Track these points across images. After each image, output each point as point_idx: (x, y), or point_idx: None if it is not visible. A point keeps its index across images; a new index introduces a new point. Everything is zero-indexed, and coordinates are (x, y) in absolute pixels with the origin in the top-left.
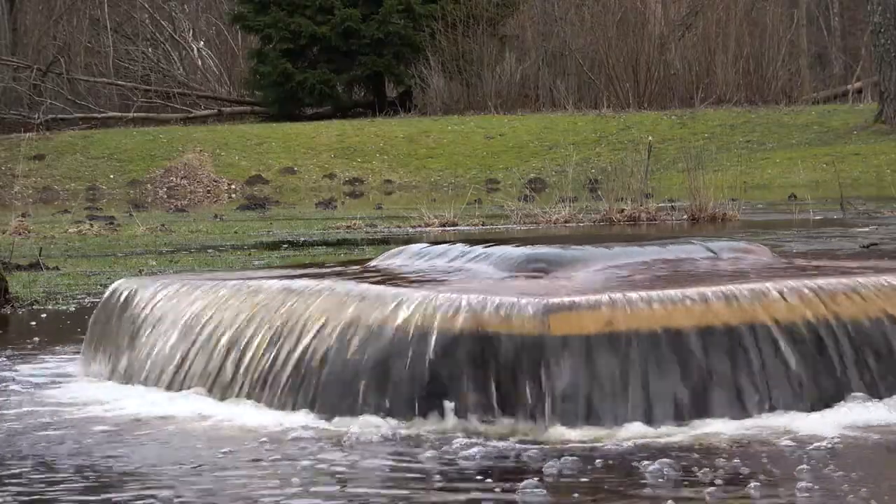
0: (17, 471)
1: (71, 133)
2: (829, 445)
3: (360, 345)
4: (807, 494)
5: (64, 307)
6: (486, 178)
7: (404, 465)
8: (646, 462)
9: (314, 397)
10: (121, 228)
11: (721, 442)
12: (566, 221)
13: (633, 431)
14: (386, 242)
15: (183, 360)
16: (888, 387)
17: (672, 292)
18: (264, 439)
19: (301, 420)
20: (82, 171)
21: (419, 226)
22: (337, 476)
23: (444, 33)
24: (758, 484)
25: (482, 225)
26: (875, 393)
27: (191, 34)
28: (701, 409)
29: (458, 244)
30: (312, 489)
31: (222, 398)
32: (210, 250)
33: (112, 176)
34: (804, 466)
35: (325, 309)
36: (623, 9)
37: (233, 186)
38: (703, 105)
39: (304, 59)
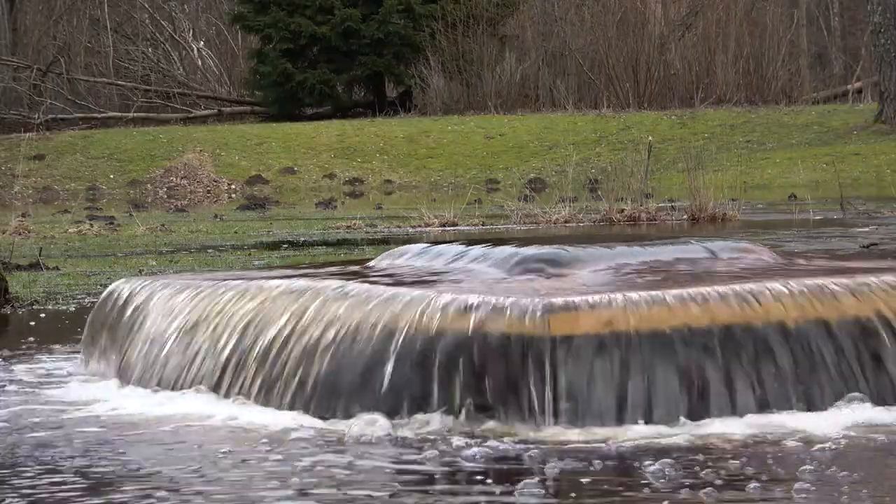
0: (16, 471)
1: (71, 133)
2: (832, 446)
3: (359, 345)
4: (808, 495)
5: (64, 307)
6: (486, 178)
7: (404, 465)
8: (647, 462)
9: (314, 397)
10: (121, 228)
11: (722, 442)
12: (566, 221)
13: (634, 431)
14: (386, 242)
15: (182, 359)
16: (889, 387)
17: (672, 292)
18: (264, 439)
19: (301, 420)
20: (82, 171)
21: (419, 226)
22: (337, 476)
23: (444, 33)
24: (759, 484)
25: (482, 225)
26: (876, 393)
27: (191, 34)
28: (702, 409)
29: (457, 244)
30: (312, 489)
31: (222, 398)
32: (210, 250)
33: (112, 176)
34: (806, 467)
35: (325, 309)
36: (623, 9)
37: (233, 186)
38: (703, 105)
39: (304, 59)
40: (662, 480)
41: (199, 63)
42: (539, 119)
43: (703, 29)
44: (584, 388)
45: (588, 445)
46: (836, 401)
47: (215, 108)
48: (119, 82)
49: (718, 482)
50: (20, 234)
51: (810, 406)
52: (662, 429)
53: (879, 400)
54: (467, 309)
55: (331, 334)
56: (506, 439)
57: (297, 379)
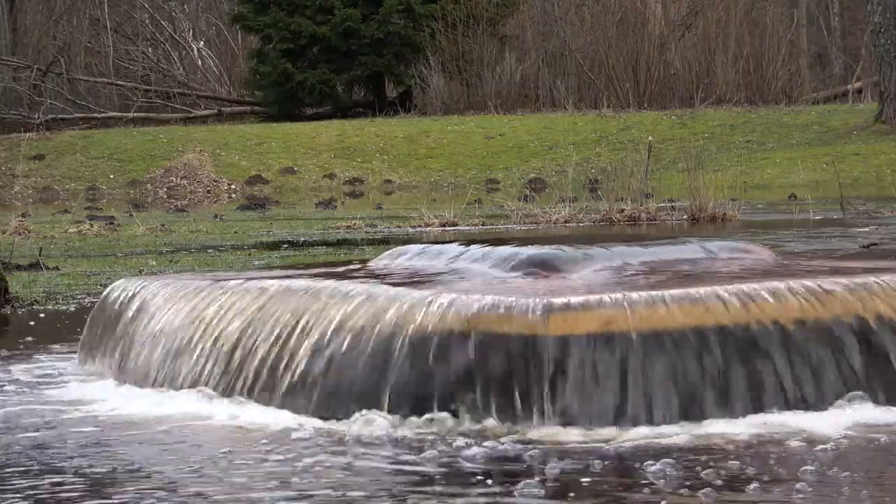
0: (15, 471)
1: (71, 133)
2: (833, 446)
3: (360, 345)
4: (810, 495)
5: (64, 307)
6: (486, 178)
7: (405, 465)
8: (647, 462)
9: (314, 397)
10: (121, 228)
11: (722, 442)
12: (566, 221)
13: (634, 431)
14: (386, 242)
15: (182, 359)
16: (890, 386)
17: (671, 292)
18: (264, 439)
19: (302, 420)
20: (82, 171)
21: (419, 226)
22: (337, 476)
23: (444, 33)
24: (760, 484)
25: (482, 225)
26: (877, 393)
27: (191, 34)
28: (702, 409)
29: (457, 244)
30: (312, 489)
31: (222, 398)
32: (210, 250)
33: (112, 176)
34: (807, 467)
35: (324, 309)
36: (623, 9)
37: (233, 186)
38: (703, 105)
39: (304, 59)
40: (663, 480)
41: (199, 63)
42: (539, 119)
43: (703, 29)
44: (583, 388)
45: (588, 445)
46: (837, 400)
47: (215, 108)
48: (119, 82)
49: (719, 482)
50: (20, 234)
51: (811, 406)
52: (662, 429)
53: (880, 399)
54: (467, 309)
55: (330, 334)
56: (506, 439)
57: (297, 379)
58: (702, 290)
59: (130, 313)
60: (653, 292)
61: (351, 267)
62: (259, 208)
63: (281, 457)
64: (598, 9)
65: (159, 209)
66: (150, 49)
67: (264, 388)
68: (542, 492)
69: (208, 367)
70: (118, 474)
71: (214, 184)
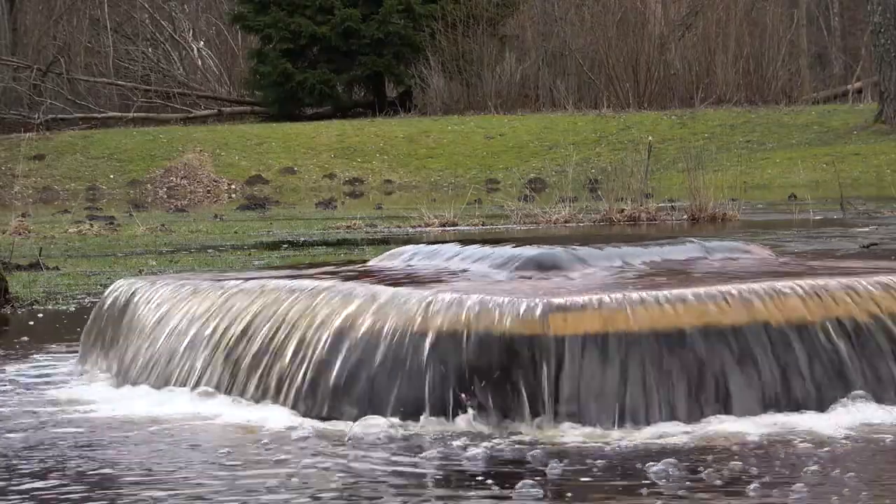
0: (14, 471)
1: (71, 133)
2: (834, 446)
3: (360, 345)
4: (812, 495)
5: (64, 307)
6: (486, 178)
7: (406, 465)
8: (649, 462)
9: (315, 397)
10: (121, 228)
11: (724, 442)
12: (566, 221)
13: (635, 431)
14: (386, 242)
15: (182, 359)
16: (891, 386)
17: (671, 292)
18: (265, 439)
19: (302, 420)
20: (82, 171)
21: (419, 226)
22: (337, 477)
23: (444, 33)
24: (762, 484)
25: (482, 225)
26: (879, 393)
27: (191, 34)
28: (703, 409)
29: (457, 244)
30: (313, 489)
31: (222, 397)
32: (210, 250)
33: (112, 176)
34: (809, 467)
35: (325, 309)
36: (623, 9)
37: (233, 186)
38: (703, 105)
39: (304, 59)
40: (665, 481)
41: (199, 63)
42: (539, 119)
43: (703, 29)
44: (584, 388)
45: (589, 445)
46: (839, 400)
47: (215, 108)
48: (119, 82)
49: (721, 483)
50: (20, 234)
51: (813, 406)
52: (663, 428)
53: (882, 399)
54: (467, 309)
55: (332, 334)
56: (506, 440)
57: (297, 379)
58: (702, 290)
59: (130, 313)
60: (653, 292)
61: (351, 267)
62: (259, 208)
63: (281, 457)
64: (598, 9)
65: (159, 209)
66: (150, 49)
67: (264, 388)
68: (543, 492)
69: (208, 366)
70: (117, 474)
71: (214, 184)
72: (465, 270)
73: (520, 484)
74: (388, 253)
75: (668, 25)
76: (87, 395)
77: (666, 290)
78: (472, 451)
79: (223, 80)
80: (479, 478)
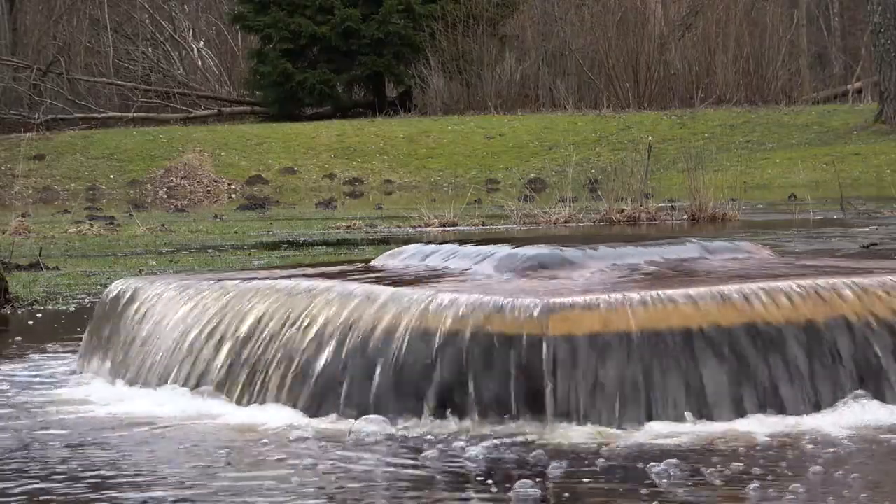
0: (14, 471)
1: (71, 133)
2: (836, 445)
3: (360, 345)
4: (814, 496)
5: (64, 307)
6: (486, 178)
7: (406, 465)
8: (651, 463)
9: (315, 397)
10: (121, 228)
11: (726, 442)
12: (566, 221)
13: (636, 431)
14: (386, 242)
15: (182, 359)
16: (892, 386)
17: (671, 292)
18: (265, 439)
19: (302, 420)
20: (82, 171)
21: (419, 226)
22: (338, 476)
23: (444, 33)
24: (764, 484)
25: (482, 225)
26: (880, 392)
27: (191, 34)
28: (704, 409)
29: (457, 244)
30: (313, 489)
31: (222, 397)
32: (210, 250)
33: (112, 176)
34: (811, 467)
35: (325, 309)
36: (623, 9)
37: (233, 186)
38: (703, 105)
39: (304, 59)
40: (667, 481)
41: (199, 63)
42: (539, 119)
43: (703, 29)
44: (584, 388)
45: (590, 446)
46: (841, 400)
47: (215, 108)
48: (119, 82)
49: (723, 483)
50: (20, 234)
51: (815, 405)
52: (664, 428)
53: (884, 399)
54: (467, 309)
55: (331, 334)
56: (507, 440)
57: (297, 378)
58: (702, 290)
59: (130, 313)
60: (653, 292)
61: (351, 267)
62: (259, 208)
63: (281, 457)
64: (598, 9)
65: (159, 209)
66: (150, 49)
67: (265, 388)
68: (545, 493)
69: (209, 366)
70: (116, 474)
71: (214, 184)
72: (465, 270)
73: (518, 484)
74: (388, 253)
75: (668, 25)
76: (86, 394)
77: (666, 290)
78: (473, 451)
79: (223, 80)
80: (479, 478)
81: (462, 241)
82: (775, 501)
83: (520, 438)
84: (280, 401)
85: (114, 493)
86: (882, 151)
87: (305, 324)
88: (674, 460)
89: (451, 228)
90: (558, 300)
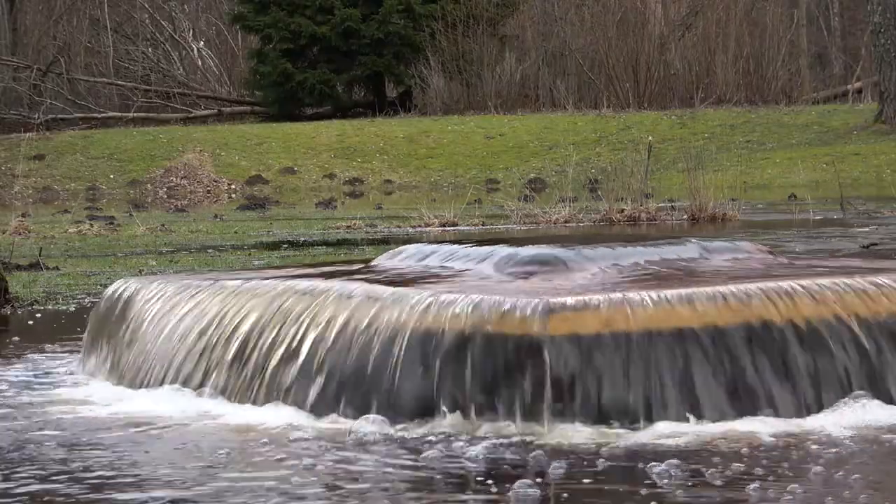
0: (14, 472)
1: (71, 133)
2: (840, 446)
3: (360, 344)
4: (817, 496)
5: (64, 307)
6: (486, 178)
7: (406, 465)
8: (652, 463)
9: (315, 397)
10: (121, 228)
11: (727, 442)
12: (566, 221)
13: (636, 432)
14: (386, 242)
15: (183, 360)
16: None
17: (672, 292)
18: (265, 439)
19: (302, 420)
20: (82, 171)
21: (419, 226)
22: (338, 476)
23: (444, 33)
24: (766, 485)
25: (482, 225)
26: (881, 393)
27: (191, 34)
28: (704, 410)
29: (457, 244)
30: (313, 489)
31: (222, 397)
32: (210, 250)
33: (112, 176)
34: (813, 467)
35: (325, 309)
36: (623, 9)
37: (233, 186)
38: (703, 105)
39: (304, 59)
40: (668, 481)
41: (199, 63)
42: (539, 119)
43: (703, 29)
44: (584, 389)
45: (591, 446)
46: (842, 400)
47: (215, 108)
48: (119, 82)
49: (725, 483)
50: (20, 234)
51: (816, 406)
52: (666, 429)
53: (886, 399)
54: (467, 309)
55: (332, 334)
56: (507, 440)
57: (298, 379)
58: (701, 291)
59: (130, 313)
60: (653, 292)
61: (351, 267)
62: (259, 208)
63: (281, 457)
64: (598, 9)
65: (159, 209)
66: (150, 49)
67: (265, 388)
68: (545, 493)
69: (208, 366)
70: (116, 475)
71: (214, 184)
72: (465, 270)
73: (517, 484)
74: (388, 252)
75: (668, 25)
76: (86, 394)
77: (666, 290)
78: (473, 451)
79: (223, 80)
80: (480, 478)
81: (462, 241)
82: (776, 502)
83: (520, 438)
84: (280, 401)
85: (113, 494)
86: (882, 151)
87: (305, 324)
88: (675, 461)
89: (451, 228)
90: (558, 300)
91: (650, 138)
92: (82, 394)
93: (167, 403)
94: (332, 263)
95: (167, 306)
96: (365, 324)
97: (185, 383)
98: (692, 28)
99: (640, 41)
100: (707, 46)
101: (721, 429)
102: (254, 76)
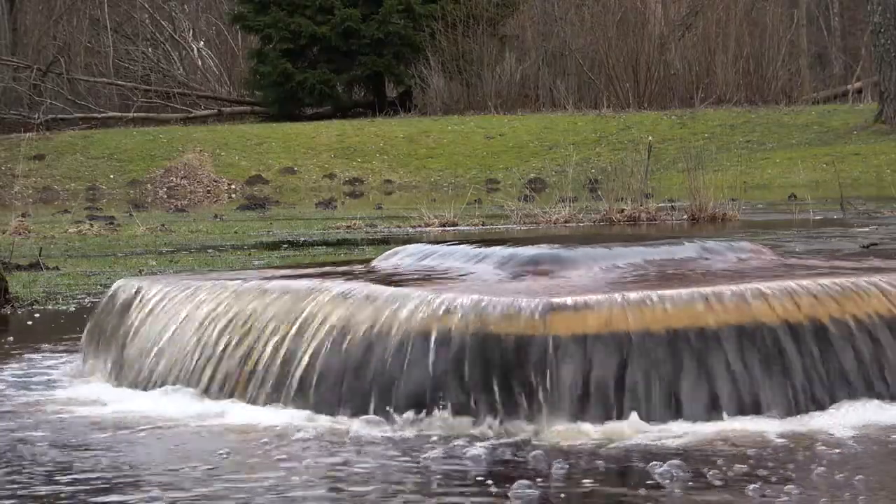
0: (13, 472)
1: (71, 133)
2: (841, 446)
3: (361, 345)
4: (819, 496)
5: (64, 307)
6: (486, 178)
7: (407, 465)
8: (654, 463)
9: (315, 397)
10: (121, 228)
11: (728, 442)
12: (566, 221)
13: (637, 432)
14: (386, 242)
15: (183, 360)
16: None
17: (672, 292)
18: (265, 439)
19: (303, 420)
20: (82, 171)
21: (419, 226)
22: (338, 476)
23: (444, 33)
24: (768, 485)
25: (482, 225)
26: (884, 392)
27: (191, 34)
28: (706, 409)
29: (457, 244)
30: (313, 489)
31: (223, 398)
32: (210, 250)
33: (112, 176)
34: (815, 467)
35: (325, 309)
36: (623, 9)
37: (233, 186)
38: (703, 105)
39: (304, 59)
40: (669, 481)
41: (199, 63)
42: (539, 119)
43: (703, 29)
44: (585, 389)
45: (591, 446)
46: (844, 400)
47: (215, 108)
48: (119, 82)
49: (727, 483)
50: (20, 234)
51: (819, 406)
52: (667, 429)
53: (888, 399)
54: (468, 309)
55: (332, 334)
56: (507, 440)
57: (298, 379)
58: (701, 290)
59: (130, 313)
60: (652, 292)
61: (351, 267)
62: (259, 208)
63: (282, 457)
64: (598, 9)
65: (159, 209)
66: (150, 49)
67: (265, 388)
68: (546, 493)
69: (209, 367)
70: (115, 475)
71: (214, 184)
72: (465, 270)
73: (516, 484)
74: (388, 252)
75: (668, 25)
76: (86, 394)
77: (665, 290)
78: (473, 451)
79: (223, 80)
80: (480, 478)
81: (462, 241)
82: (778, 502)
83: (520, 438)
84: (280, 401)
85: (113, 494)
86: (882, 151)
87: (306, 324)
88: (677, 461)
89: (451, 228)
90: (558, 300)
91: (650, 138)
92: (82, 394)
93: (167, 403)
94: (332, 263)
95: (168, 306)
96: (364, 324)
97: (185, 383)
98: (692, 28)
99: (640, 41)
100: (707, 46)
101: (722, 428)
102: (254, 76)
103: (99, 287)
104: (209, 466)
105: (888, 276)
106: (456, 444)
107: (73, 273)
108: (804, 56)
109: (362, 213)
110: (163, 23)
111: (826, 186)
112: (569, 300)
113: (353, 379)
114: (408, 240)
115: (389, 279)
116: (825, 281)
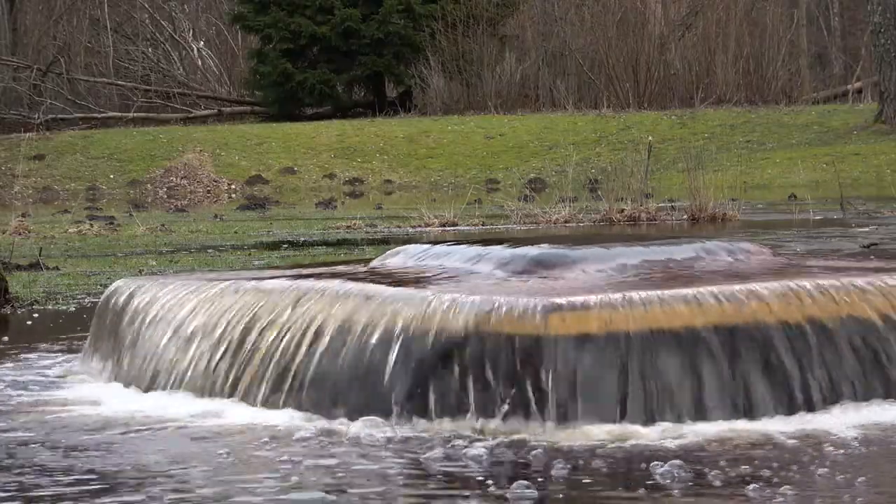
0: (13, 472)
1: (71, 133)
2: (844, 446)
3: (360, 345)
4: (821, 496)
5: (64, 307)
6: (486, 178)
7: (406, 465)
8: (655, 463)
9: (316, 398)
10: (121, 228)
11: (730, 442)
12: (566, 221)
13: (637, 432)
14: (386, 242)
15: (182, 360)
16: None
17: (672, 292)
18: (265, 439)
19: (303, 420)
20: (82, 171)
21: (419, 226)
22: (339, 477)
23: (444, 33)
24: (770, 485)
25: (482, 225)
26: (886, 392)
27: (191, 34)
28: (705, 409)
29: (457, 244)
30: (313, 490)
31: (223, 398)
32: (210, 250)
33: (112, 176)
34: (817, 468)
35: (325, 309)
36: (623, 9)
37: (233, 186)
38: (703, 105)
39: (304, 59)
40: (671, 482)
41: (199, 63)
42: (539, 119)
43: (703, 29)
44: (585, 389)
45: (592, 446)
46: (846, 400)
47: (215, 108)
48: (119, 82)
49: (729, 484)
50: (20, 234)
51: (820, 406)
52: (667, 429)
53: (890, 398)
54: (467, 309)
55: (332, 334)
56: (507, 440)
57: (298, 379)
58: (701, 290)
59: (130, 313)
60: (652, 292)
61: (350, 267)
62: (259, 208)
63: (282, 457)
64: (598, 9)
65: (159, 209)
66: (150, 49)
67: (265, 389)
68: (547, 493)
69: (209, 367)
70: (115, 475)
71: (214, 184)
72: (465, 270)
73: (515, 485)
74: (388, 252)
75: (668, 25)
76: (85, 395)
77: (665, 290)
78: (473, 451)
79: (223, 80)
80: (479, 478)
81: (462, 242)
82: (779, 502)
83: (520, 438)
84: (280, 401)
85: (113, 494)
86: (882, 151)
87: (306, 324)
88: (678, 461)
89: (451, 228)
90: (558, 300)
91: (650, 138)
92: (82, 394)
93: (168, 403)
94: (332, 263)
95: (168, 306)
96: (366, 324)
97: (185, 383)
98: (692, 28)
99: (640, 41)
100: (707, 46)
101: (724, 428)
102: (254, 76)
103: (99, 287)
104: (209, 467)
105: (888, 276)
106: (456, 444)
107: (72, 273)
108: (804, 56)
109: (362, 213)
110: (163, 23)
111: (826, 186)
112: (569, 300)
113: (352, 379)
114: (408, 240)
115: (389, 279)
116: (825, 281)
